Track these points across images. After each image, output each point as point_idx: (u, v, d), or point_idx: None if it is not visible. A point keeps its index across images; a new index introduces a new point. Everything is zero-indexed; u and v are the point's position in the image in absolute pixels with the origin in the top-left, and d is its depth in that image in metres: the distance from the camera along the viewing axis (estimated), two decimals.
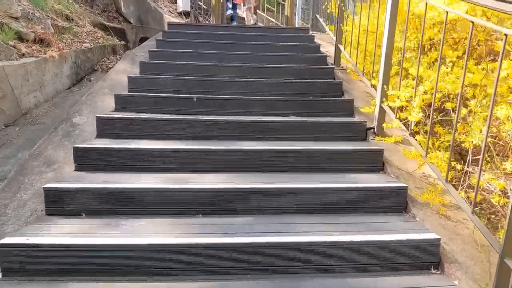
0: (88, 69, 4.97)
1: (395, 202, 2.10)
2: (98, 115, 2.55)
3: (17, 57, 3.82)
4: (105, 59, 5.40)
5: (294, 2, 8.20)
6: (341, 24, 3.80)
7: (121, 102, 2.87)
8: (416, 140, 2.18)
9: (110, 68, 5.27)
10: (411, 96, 2.31)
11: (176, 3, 8.02)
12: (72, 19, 5.57)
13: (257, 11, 8.99)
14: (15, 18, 4.32)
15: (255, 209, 2.03)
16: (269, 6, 8.97)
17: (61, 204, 1.94)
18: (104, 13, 8.47)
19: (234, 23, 7.58)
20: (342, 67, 3.92)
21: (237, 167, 2.33)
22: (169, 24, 4.75)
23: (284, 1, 8.71)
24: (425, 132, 2.24)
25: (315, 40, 4.63)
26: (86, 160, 2.23)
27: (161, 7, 7.72)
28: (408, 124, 2.30)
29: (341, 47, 3.76)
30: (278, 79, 3.42)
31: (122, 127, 2.55)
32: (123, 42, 6.33)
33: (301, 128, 2.69)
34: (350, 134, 2.71)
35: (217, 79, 3.31)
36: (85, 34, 5.39)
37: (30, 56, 3.91)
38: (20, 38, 4.13)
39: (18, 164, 2.91)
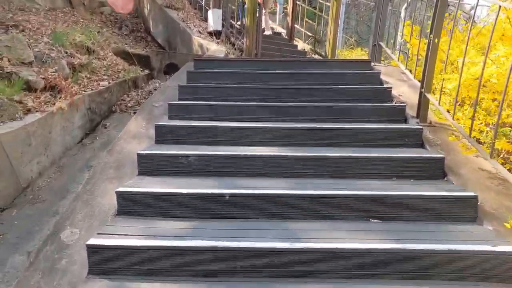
0: (105, 112, 4.20)
1: None
2: (88, 243, 1.66)
3: (21, 115, 3.06)
4: (124, 96, 4.61)
5: (339, 12, 7.08)
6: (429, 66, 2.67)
7: (127, 202, 1.97)
8: None
9: (129, 108, 4.48)
10: None
11: (206, 22, 7.16)
12: (93, 51, 4.85)
13: (295, 26, 7.96)
14: (28, 63, 3.63)
15: None
16: (307, 20, 7.90)
17: None
18: (133, 34, 7.85)
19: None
20: (430, 122, 2.79)
21: None
22: (196, 60, 3.84)
23: (321, 12, 7.60)
24: None
25: (381, 77, 3.52)
26: None
27: (190, 27, 6.90)
28: None
29: (433, 100, 2.63)
30: (342, 153, 2.30)
31: (121, 260, 1.65)
32: (146, 71, 5.55)
33: (397, 262, 1.63)
34: (494, 275, 1.60)
35: (259, 155, 2.29)
36: (105, 68, 4.63)
37: (37, 111, 3.16)
38: (30, 87, 3.43)
39: None
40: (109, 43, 6.20)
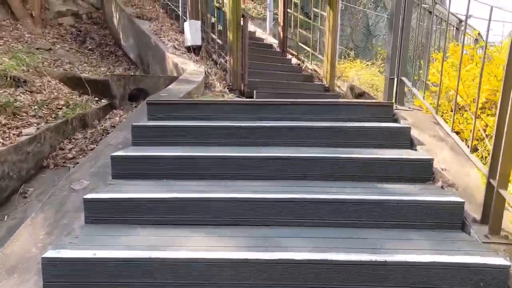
0: (29, 171, 3.00)
1: None
2: None
3: None
4: (65, 142, 3.43)
5: (336, 22, 6.02)
6: None
7: None
8: None
9: (69, 160, 3.29)
10: None
11: (184, 34, 5.97)
12: (25, 82, 3.64)
13: (286, 36, 6.81)
14: None
15: None
16: (300, 30, 6.75)
17: None
18: (99, 48, 6.62)
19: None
20: (507, 235, 1.68)
21: None
22: (150, 105, 2.63)
23: (315, 22, 6.50)
24: None
25: (412, 134, 2.40)
26: None
27: (163, 42, 5.69)
28: None
29: None
30: None
31: None
32: (104, 102, 4.35)
33: None
34: None
35: None
36: (37, 106, 3.43)
37: None
38: None
39: None
40: (61, 64, 4.98)
